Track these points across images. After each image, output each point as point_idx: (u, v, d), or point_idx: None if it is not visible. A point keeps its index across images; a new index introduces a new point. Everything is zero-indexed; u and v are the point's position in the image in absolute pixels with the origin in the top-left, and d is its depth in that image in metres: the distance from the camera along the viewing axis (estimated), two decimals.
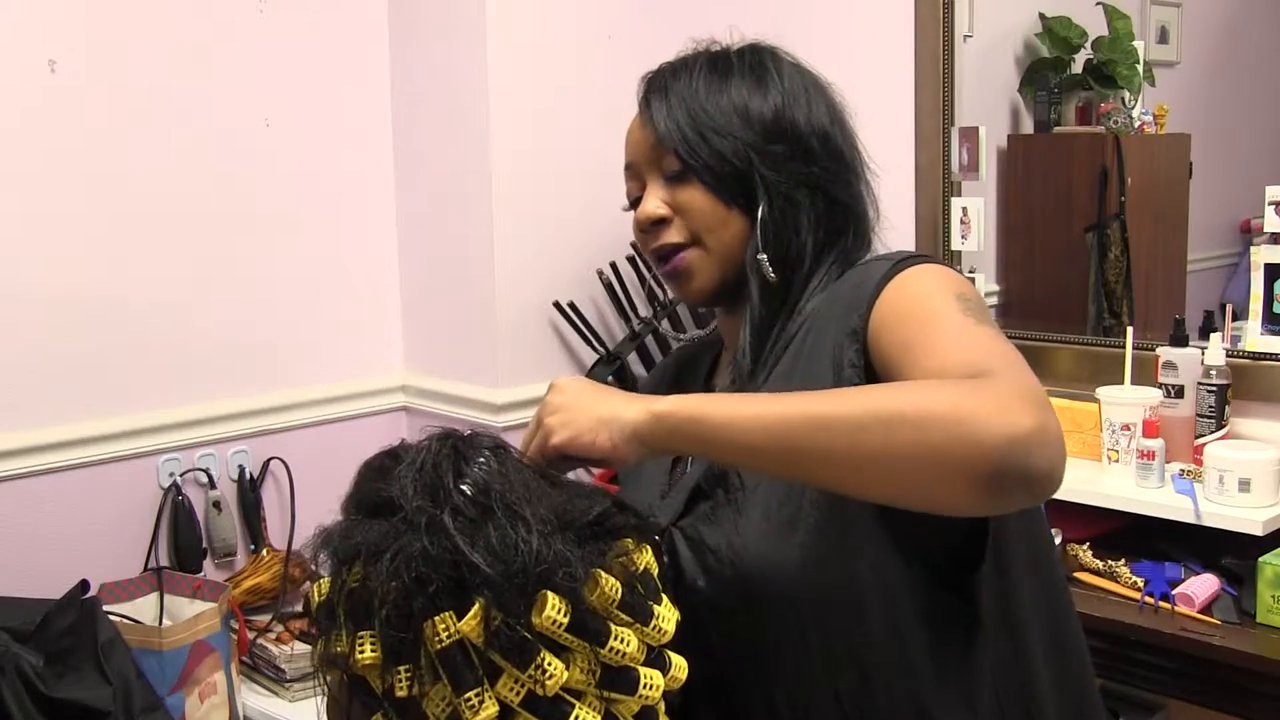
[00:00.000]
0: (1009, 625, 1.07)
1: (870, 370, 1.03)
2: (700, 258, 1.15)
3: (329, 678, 0.91)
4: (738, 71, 1.17)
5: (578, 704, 0.84)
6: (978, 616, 1.05)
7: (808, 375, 1.08)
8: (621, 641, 0.85)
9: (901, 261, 1.07)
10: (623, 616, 0.86)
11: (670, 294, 1.19)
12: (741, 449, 0.93)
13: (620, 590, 0.86)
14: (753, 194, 1.13)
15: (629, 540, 0.90)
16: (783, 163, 1.13)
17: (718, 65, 1.17)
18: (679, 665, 0.91)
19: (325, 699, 0.95)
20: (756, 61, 1.18)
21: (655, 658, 0.89)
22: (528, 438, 1.02)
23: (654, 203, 1.16)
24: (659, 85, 1.18)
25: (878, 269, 1.07)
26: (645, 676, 0.87)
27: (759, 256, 1.12)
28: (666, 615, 0.89)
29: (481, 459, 0.88)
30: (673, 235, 1.15)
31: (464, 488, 0.86)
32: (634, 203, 1.19)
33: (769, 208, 1.12)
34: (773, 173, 1.13)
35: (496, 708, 0.82)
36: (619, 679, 0.86)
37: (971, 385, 0.89)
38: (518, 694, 0.83)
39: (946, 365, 0.93)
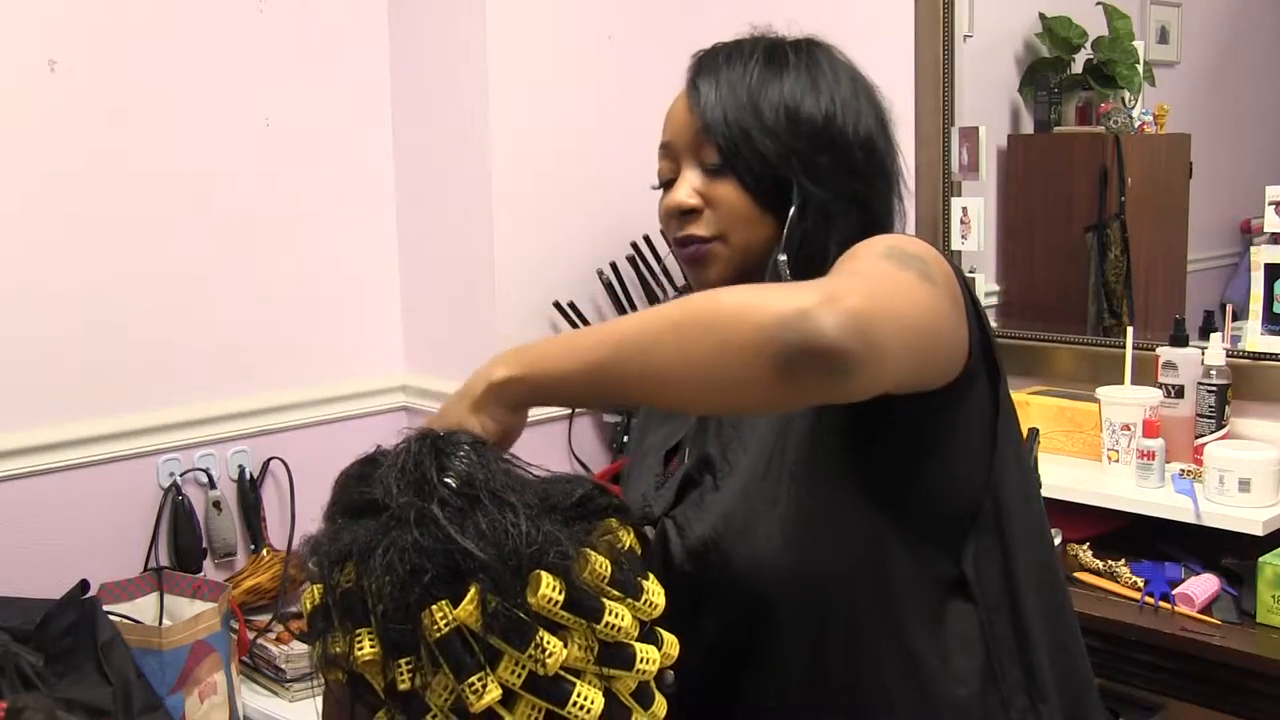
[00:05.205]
0: (1011, 597, 1.06)
1: None
2: (723, 251, 1.13)
3: (330, 680, 0.91)
4: (793, 67, 1.13)
5: (578, 682, 0.85)
6: (967, 585, 1.04)
7: None
8: (616, 616, 0.86)
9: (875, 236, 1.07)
10: (614, 593, 0.87)
11: (686, 278, 1.17)
12: (566, 382, 0.94)
13: (610, 567, 0.88)
14: (788, 198, 1.10)
15: (612, 520, 0.92)
16: (826, 175, 1.10)
17: (774, 57, 1.13)
18: (671, 642, 0.92)
19: (323, 702, 0.95)
20: (812, 59, 1.14)
21: (648, 634, 0.91)
22: None
23: (687, 191, 1.12)
24: (710, 68, 1.13)
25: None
26: (641, 652, 0.88)
27: (779, 258, 1.10)
28: (656, 590, 0.90)
29: (462, 453, 0.89)
30: (700, 228, 1.12)
31: (448, 480, 0.87)
32: (665, 184, 1.16)
33: (800, 218, 1.10)
34: (813, 184, 1.10)
35: (499, 691, 0.83)
36: (616, 655, 0.87)
37: (776, 285, 0.89)
38: (519, 676, 0.83)
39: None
